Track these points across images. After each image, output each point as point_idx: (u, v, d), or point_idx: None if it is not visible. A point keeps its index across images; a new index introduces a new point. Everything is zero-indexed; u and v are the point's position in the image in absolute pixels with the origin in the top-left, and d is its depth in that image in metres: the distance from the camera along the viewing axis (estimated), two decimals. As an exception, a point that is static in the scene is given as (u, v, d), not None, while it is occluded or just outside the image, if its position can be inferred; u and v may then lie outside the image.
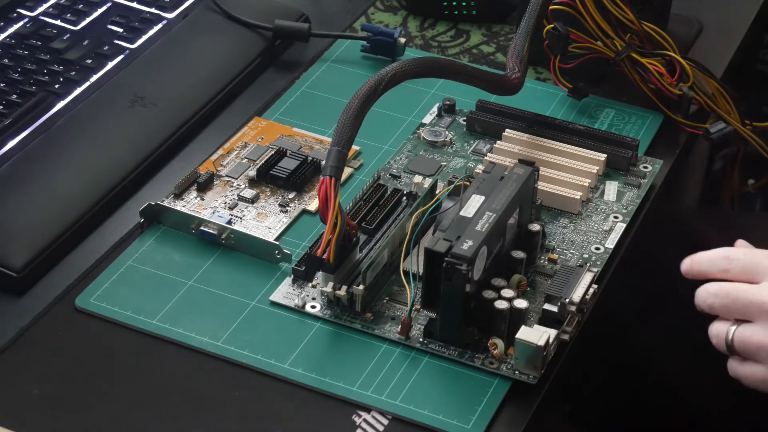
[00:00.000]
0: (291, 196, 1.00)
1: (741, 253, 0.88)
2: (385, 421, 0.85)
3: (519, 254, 0.93)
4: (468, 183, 0.95)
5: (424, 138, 1.07)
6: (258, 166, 1.01)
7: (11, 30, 1.14)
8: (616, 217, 1.00)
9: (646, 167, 1.05)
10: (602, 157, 1.03)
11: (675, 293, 0.94)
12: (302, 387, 0.87)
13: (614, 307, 1.00)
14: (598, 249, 0.97)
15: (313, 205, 0.99)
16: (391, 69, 0.92)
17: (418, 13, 1.24)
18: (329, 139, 0.98)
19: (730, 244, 0.92)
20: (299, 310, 0.92)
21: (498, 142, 1.05)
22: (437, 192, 0.98)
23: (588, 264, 0.94)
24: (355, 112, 0.90)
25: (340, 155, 0.89)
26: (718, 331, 0.89)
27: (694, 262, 0.91)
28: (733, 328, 0.87)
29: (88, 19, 1.16)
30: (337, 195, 0.87)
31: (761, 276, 0.87)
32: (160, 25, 1.16)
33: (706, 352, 1.13)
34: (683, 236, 1.15)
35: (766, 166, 1.18)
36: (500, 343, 0.88)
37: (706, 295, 0.89)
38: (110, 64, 1.11)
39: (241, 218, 0.98)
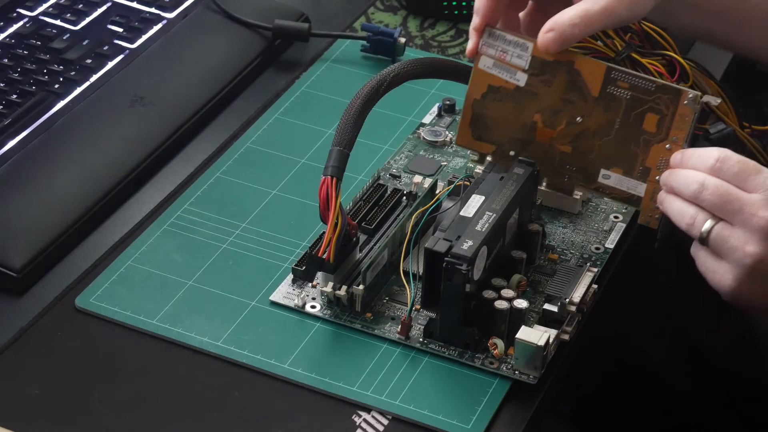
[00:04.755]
0: None
1: (735, 158, 0.88)
2: (385, 421, 0.85)
3: (519, 254, 0.93)
4: (468, 183, 0.95)
5: (424, 138, 1.07)
6: None
7: (11, 30, 1.14)
8: (616, 217, 1.00)
9: (646, 167, 1.05)
10: (602, 157, 1.04)
11: (675, 296, 0.95)
12: (302, 387, 0.87)
13: (614, 307, 1.00)
14: (598, 249, 0.97)
15: None
16: (393, 69, 0.92)
17: (418, 13, 1.24)
18: None
19: None
20: (299, 310, 0.92)
21: (498, 142, 1.05)
22: (437, 192, 0.97)
23: (588, 264, 0.94)
24: (356, 112, 0.90)
25: (342, 155, 0.89)
26: (695, 216, 0.88)
27: (685, 156, 0.90)
28: (712, 222, 0.87)
29: (88, 19, 1.16)
30: (338, 195, 0.88)
31: (750, 185, 0.87)
32: (160, 25, 1.16)
33: (706, 353, 1.13)
34: (679, 239, 1.14)
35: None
36: (500, 343, 0.88)
37: (694, 182, 0.88)
38: (110, 64, 1.11)
39: None
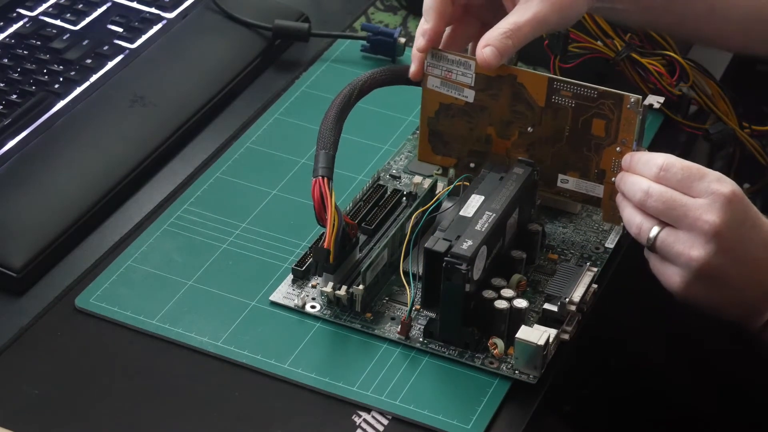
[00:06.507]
0: None
1: (679, 165, 0.90)
2: (385, 421, 0.85)
3: (519, 254, 0.93)
4: (468, 183, 0.95)
5: (424, 138, 1.06)
6: None
7: (11, 30, 1.14)
8: (616, 217, 1.00)
9: (646, 167, 1.05)
10: (602, 157, 1.04)
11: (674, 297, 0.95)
12: (302, 387, 0.87)
13: (614, 307, 1.00)
14: (598, 249, 0.97)
15: None
16: (362, 78, 0.95)
17: (418, 13, 1.23)
18: None
19: None
20: (299, 310, 0.92)
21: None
22: (437, 192, 0.98)
23: (588, 264, 0.94)
24: (333, 120, 0.92)
25: (328, 156, 0.90)
26: (641, 225, 0.91)
27: (633, 160, 0.92)
28: (658, 228, 0.90)
29: (88, 19, 1.16)
30: (331, 193, 0.88)
31: (695, 191, 0.89)
32: (160, 25, 1.16)
33: (706, 353, 1.13)
34: None
35: (762, 170, 1.18)
36: (500, 343, 0.88)
37: (639, 190, 0.90)
38: (110, 64, 1.11)
39: None
